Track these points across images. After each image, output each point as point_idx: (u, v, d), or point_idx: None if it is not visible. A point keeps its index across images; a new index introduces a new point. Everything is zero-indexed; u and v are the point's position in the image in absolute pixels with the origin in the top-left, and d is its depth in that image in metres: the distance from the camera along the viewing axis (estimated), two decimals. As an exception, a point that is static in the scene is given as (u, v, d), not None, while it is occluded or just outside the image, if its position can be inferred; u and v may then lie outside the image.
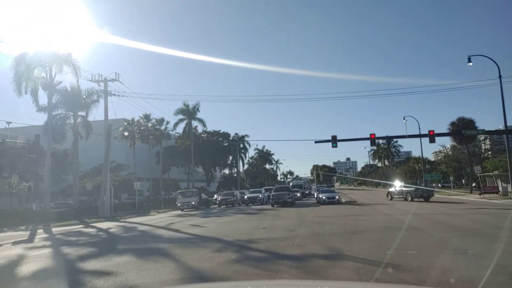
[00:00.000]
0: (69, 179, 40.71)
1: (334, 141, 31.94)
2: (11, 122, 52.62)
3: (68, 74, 31.96)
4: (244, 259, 8.84)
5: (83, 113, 34.77)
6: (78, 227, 21.57)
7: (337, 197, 28.47)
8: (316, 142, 34.63)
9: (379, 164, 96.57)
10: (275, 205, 27.92)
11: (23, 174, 36.08)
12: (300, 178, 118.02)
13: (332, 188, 40.96)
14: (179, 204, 35.92)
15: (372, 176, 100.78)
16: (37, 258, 10.66)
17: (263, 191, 40.26)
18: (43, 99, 31.61)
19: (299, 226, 15.45)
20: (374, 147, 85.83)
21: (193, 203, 35.50)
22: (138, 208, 39.38)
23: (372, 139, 32.34)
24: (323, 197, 28.39)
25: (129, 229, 19.00)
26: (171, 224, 19.93)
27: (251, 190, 46.71)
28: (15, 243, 14.96)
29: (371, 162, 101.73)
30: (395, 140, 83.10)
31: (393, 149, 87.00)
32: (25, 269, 9.11)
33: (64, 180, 42.73)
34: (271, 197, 28.96)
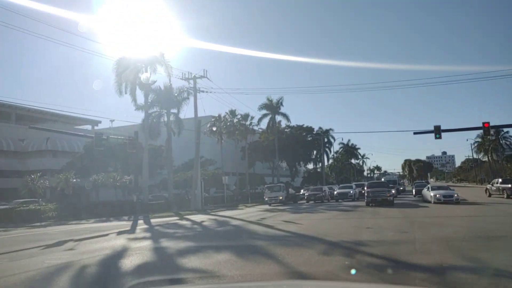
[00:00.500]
0: (164, 173, 43.21)
1: (437, 131, 28.31)
2: (113, 120, 58.34)
3: (161, 73, 33.66)
4: (362, 267, 7.43)
5: (175, 111, 36.45)
6: (174, 219, 22.22)
7: (455, 195, 24.72)
8: (415, 133, 31.27)
9: (484, 159, 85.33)
10: (371, 204, 25.44)
11: (124, 168, 39.24)
12: (389, 173, 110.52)
13: (447, 185, 36.36)
14: (266, 199, 35.48)
15: (475, 171, 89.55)
16: (139, 250, 10.61)
17: (353, 186, 37.73)
18: (139, 98, 33.79)
19: (410, 227, 13.38)
20: (479, 140, 76.06)
21: (280, 198, 34.75)
22: (226, 201, 40.12)
23: (486, 128, 27.84)
24: (437, 195, 24.91)
25: (222, 223, 18.80)
26: (262, 220, 19.27)
27: (341, 185, 44.37)
28: (119, 233, 15.63)
29: (474, 156, 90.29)
30: (505, 130, 72.54)
31: (503, 141, 75.94)
32: (128, 262, 8.96)
33: (159, 174, 45.57)
34: (366, 194, 26.36)
